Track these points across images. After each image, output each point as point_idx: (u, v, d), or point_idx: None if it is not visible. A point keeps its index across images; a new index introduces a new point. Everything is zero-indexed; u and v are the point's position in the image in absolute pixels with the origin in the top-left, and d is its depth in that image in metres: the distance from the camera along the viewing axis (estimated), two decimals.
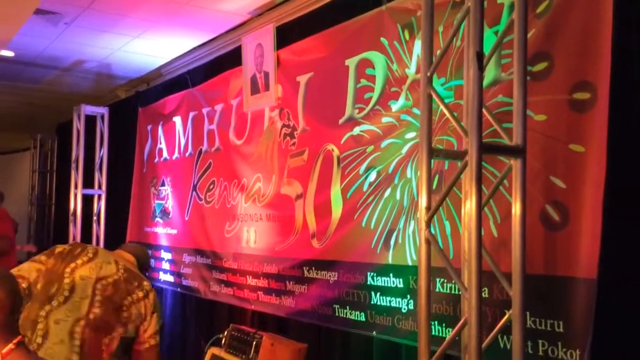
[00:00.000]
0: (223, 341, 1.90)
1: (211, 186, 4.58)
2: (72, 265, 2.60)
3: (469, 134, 1.83)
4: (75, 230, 6.13)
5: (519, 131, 1.95)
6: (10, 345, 1.64)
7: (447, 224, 2.58)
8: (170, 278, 5.02)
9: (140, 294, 2.61)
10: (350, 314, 3.09)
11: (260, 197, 3.97)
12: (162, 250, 5.23)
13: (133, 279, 2.65)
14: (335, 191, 3.29)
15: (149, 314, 2.62)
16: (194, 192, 4.80)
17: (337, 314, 3.16)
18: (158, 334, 2.68)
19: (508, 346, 2.19)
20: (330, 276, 3.26)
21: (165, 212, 5.30)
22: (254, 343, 1.77)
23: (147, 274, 3.07)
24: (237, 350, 1.85)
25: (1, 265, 4.54)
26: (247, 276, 3.98)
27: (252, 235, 4.10)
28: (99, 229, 6.18)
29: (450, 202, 2.53)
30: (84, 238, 6.12)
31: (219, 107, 4.53)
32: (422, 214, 2.00)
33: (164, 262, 5.17)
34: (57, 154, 7.74)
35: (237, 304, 4.03)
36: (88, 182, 6.17)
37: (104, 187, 6.17)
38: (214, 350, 1.89)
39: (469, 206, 1.84)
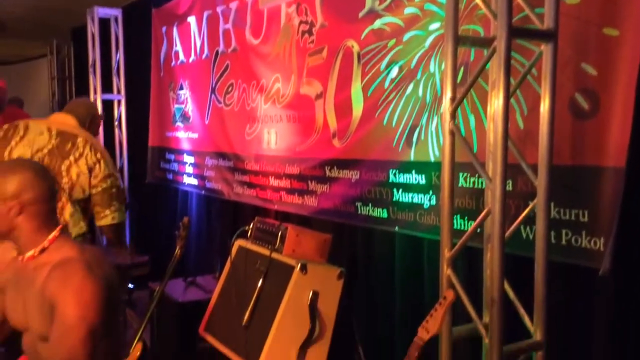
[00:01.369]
0: (249, 233, 1.94)
1: (230, 88, 4.52)
2: (8, 148, 2.65)
3: (498, 16, 1.73)
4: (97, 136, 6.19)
5: (551, 14, 1.84)
6: (55, 233, 1.69)
7: (471, 117, 2.53)
8: (194, 181, 5.10)
9: (77, 154, 2.66)
10: (373, 211, 3.12)
11: (280, 98, 3.92)
12: (184, 154, 5.27)
13: (66, 141, 2.68)
14: (356, 89, 3.22)
15: (93, 164, 2.69)
16: (212, 95, 4.76)
17: (359, 212, 3.20)
18: (110, 177, 2.78)
19: (531, 237, 2.20)
20: (352, 175, 3.26)
21: (185, 116, 5.29)
22: (280, 234, 1.80)
23: (96, 127, 3.17)
24: (263, 241, 1.89)
25: None
26: (269, 177, 4.01)
27: (272, 137, 4.09)
28: (121, 134, 6.23)
29: (476, 95, 2.46)
30: (107, 143, 6.19)
31: (233, 5, 4.38)
32: (446, 105, 1.95)
33: (187, 165, 5.23)
34: (74, 60, 7.66)
35: (261, 205, 4.10)
36: (107, 88, 6.14)
37: (122, 91, 6.14)
38: (240, 242, 1.93)
39: (496, 95, 1.78)
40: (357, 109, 3.22)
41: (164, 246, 3.72)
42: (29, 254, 1.69)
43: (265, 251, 1.86)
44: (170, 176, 5.56)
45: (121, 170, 6.24)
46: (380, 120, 3.05)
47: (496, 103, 1.79)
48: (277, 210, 3.97)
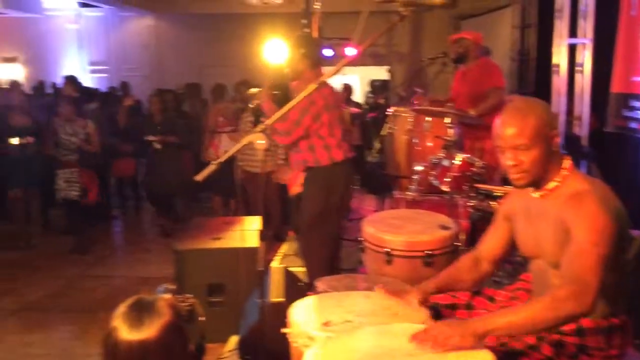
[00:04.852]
0: None
1: None
2: None
3: None
4: (559, 81, 6.14)
5: None
6: (569, 163, 1.70)
7: None
8: None
9: None
10: None
11: None
12: None
13: None
14: None
15: None
16: None
17: None
18: None
19: None
20: None
21: None
22: None
23: None
24: None
25: None
26: None
27: None
28: (583, 80, 6.01)
29: None
30: (568, 89, 6.08)
31: None
32: None
33: None
34: (538, 7, 7.65)
35: None
36: (573, 32, 5.99)
37: (590, 35, 5.86)
38: None
39: None
40: None
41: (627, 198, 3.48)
42: (552, 185, 1.69)
43: None
44: (633, 125, 5.09)
45: (580, 117, 6.07)
46: None
47: None
48: None
